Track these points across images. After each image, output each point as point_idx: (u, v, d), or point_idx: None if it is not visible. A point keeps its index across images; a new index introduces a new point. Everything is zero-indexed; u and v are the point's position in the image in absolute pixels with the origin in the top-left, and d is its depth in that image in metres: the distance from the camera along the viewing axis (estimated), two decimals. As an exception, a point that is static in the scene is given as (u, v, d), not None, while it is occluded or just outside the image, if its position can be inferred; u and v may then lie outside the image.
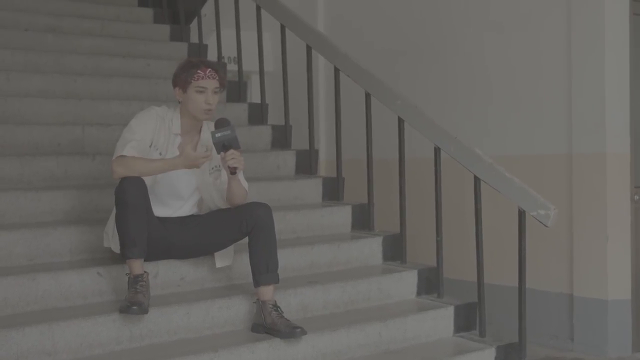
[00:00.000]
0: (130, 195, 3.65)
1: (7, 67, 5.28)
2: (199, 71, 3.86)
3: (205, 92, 3.87)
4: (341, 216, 5.13)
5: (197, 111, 3.90)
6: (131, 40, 6.30)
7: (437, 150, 4.71)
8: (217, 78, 3.90)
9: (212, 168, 4.01)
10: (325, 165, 7.08)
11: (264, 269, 3.87)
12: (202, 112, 3.90)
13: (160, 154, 3.89)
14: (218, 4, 6.24)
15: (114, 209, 3.76)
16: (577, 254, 5.68)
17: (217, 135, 3.77)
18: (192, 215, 4.06)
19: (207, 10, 6.64)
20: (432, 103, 6.21)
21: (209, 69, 3.88)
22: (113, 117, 5.18)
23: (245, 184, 4.01)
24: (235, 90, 6.00)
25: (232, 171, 3.81)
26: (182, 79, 3.89)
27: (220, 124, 3.83)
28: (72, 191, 4.34)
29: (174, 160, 3.77)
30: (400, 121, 4.91)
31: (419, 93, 6.30)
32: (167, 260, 4.05)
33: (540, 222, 4.29)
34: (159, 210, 3.93)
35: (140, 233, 3.68)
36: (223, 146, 3.78)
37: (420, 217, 5.64)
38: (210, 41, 6.44)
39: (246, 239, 3.95)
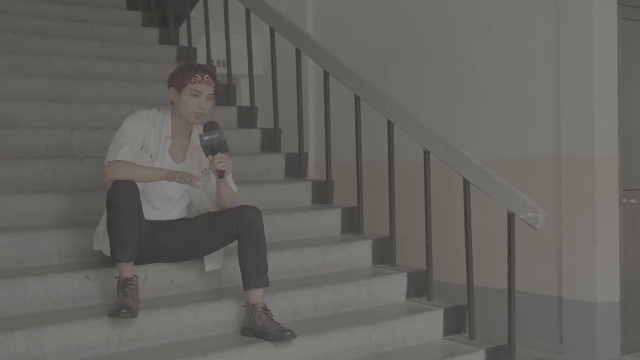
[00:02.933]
0: (123, 199, 3.65)
1: (-5, 71, 5.27)
2: (197, 75, 3.90)
3: (200, 96, 3.91)
4: (331, 219, 5.13)
5: (189, 114, 3.92)
6: (120, 44, 6.30)
7: (426, 154, 4.72)
8: (214, 85, 3.95)
9: (202, 172, 4.01)
10: (315, 168, 7.07)
11: (254, 272, 3.87)
12: (193, 116, 3.92)
13: (151, 157, 3.90)
14: (207, 7, 6.24)
15: (105, 212, 3.76)
16: (567, 256, 5.70)
17: (205, 138, 3.78)
18: (181, 219, 4.05)
19: (197, 13, 6.64)
20: (422, 106, 6.22)
21: (207, 75, 3.93)
22: (102, 121, 5.17)
23: (234, 187, 4.01)
24: (224, 94, 5.98)
25: (220, 175, 3.81)
26: (179, 80, 3.92)
27: (209, 127, 3.84)
28: (61, 195, 4.33)
29: (167, 172, 3.75)
30: (390, 124, 4.91)
31: (409, 96, 6.32)
32: (156, 264, 4.03)
33: (530, 225, 4.29)
34: (149, 214, 3.92)
35: (131, 237, 3.68)
36: (211, 150, 3.78)
37: (410, 220, 5.65)
38: (200, 45, 6.44)
39: (236, 243, 3.94)
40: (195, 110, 3.91)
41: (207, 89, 3.92)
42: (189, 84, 3.90)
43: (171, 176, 3.72)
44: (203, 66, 4.05)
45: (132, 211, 3.69)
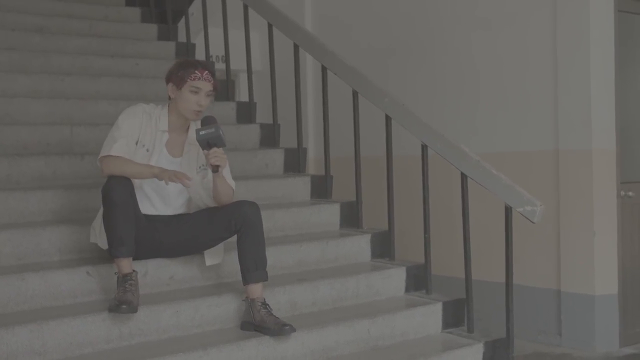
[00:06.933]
0: (117, 194, 3.67)
1: (-6, 68, 5.29)
2: (196, 71, 3.91)
3: (199, 93, 3.91)
4: (330, 214, 5.15)
5: (187, 111, 3.93)
6: (119, 40, 6.31)
7: (424, 148, 4.73)
8: (212, 82, 3.95)
9: (199, 167, 4.02)
10: (313, 163, 7.09)
11: (253, 267, 3.89)
12: (191, 112, 3.93)
13: (147, 150, 3.91)
14: (205, 3, 6.25)
15: (102, 207, 3.78)
16: (565, 249, 5.72)
17: (201, 133, 3.80)
18: (180, 214, 4.07)
19: (195, 9, 6.66)
20: (421, 101, 6.23)
21: (206, 72, 3.94)
22: (101, 117, 5.18)
23: (232, 182, 4.03)
24: (223, 89, 5.99)
25: (214, 169, 3.83)
26: (178, 76, 3.92)
27: (206, 121, 3.85)
28: (61, 191, 4.35)
29: (158, 169, 3.76)
30: (388, 119, 4.93)
31: (408, 91, 6.33)
32: (156, 259, 4.06)
33: (527, 218, 4.31)
34: (147, 208, 3.94)
35: (127, 232, 3.70)
36: (207, 144, 3.80)
37: (408, 215, 5.67)
38: (198, 40, 6.45)
39: (235, 238, 3.96)
40: (194, 108, 3.92)
41: (206, 86, 3.93)
42: (188, 80, 3.90)
43: (161, 175, 3.72)
44: (202, 62, 4.05)
45: (127, 206, 3.70)
